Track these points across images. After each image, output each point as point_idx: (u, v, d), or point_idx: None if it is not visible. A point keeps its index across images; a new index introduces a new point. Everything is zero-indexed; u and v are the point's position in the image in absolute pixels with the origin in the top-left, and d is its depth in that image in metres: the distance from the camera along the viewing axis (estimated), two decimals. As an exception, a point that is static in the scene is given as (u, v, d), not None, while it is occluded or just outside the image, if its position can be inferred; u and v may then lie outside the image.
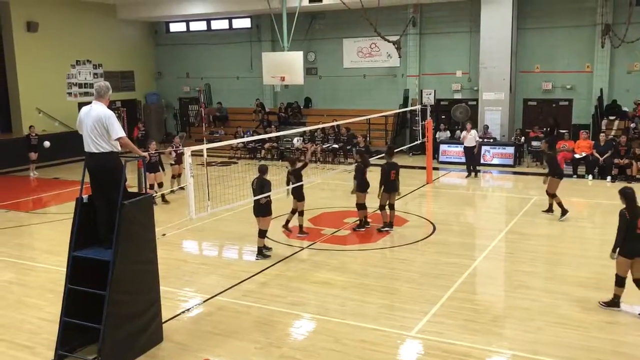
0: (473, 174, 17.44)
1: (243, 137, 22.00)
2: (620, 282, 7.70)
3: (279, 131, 21.46)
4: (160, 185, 14.60)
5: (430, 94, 21.76)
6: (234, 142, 13.49)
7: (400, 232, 11.84)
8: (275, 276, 9.44)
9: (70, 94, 23.60)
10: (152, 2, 23.39)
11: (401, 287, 8.84)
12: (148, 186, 13.35)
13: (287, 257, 10.31)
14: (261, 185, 10.10)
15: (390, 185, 11.63)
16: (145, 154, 6.96)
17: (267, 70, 20.78)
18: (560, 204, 12.31)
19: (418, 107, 17.91)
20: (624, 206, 7.76)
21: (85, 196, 6.65)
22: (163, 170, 14.70)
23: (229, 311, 8.08)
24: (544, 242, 11.15)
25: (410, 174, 16.92)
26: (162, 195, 14.48)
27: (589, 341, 6.94)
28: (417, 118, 19.09)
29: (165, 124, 27.50)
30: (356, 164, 12.32)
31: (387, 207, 11.78)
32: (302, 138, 21.59)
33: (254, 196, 10.15)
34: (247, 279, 9.24)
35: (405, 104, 21.77)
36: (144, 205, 6.70)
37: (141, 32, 26.83)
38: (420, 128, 17.93)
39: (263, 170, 10.33)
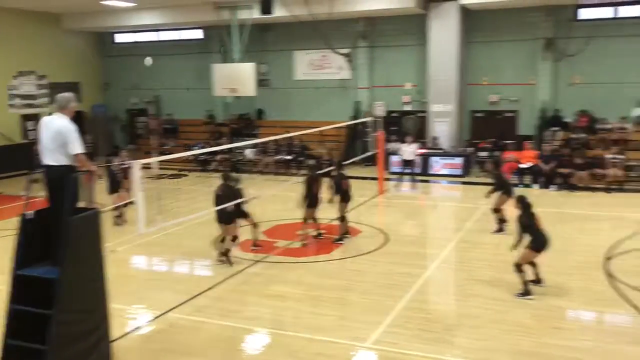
0: (410, 184, 17.61)
1: (193, 149, 21.73)
2: (520, 268, 8.73)
3: (231, 142, 21.32)
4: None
5: (381, 106, 22.01)
6: (186, 154, 13.23)
7: (354, 243, 11.88)
8: (229, 290, 9.31)
9: (12, 105, 22.74)
10: (99, 12, 22.88)
11: (356, 298, 8.86)
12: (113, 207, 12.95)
13: (241, 270, 10.19)
14: (232, 193, 10.26)
15: (347, 196, 11.76)
16: (95, 167, 6.74)
17: (218, 81, 20.66)
18: (500, 220, 12.40)
19: (369, 119, 18.08)
20: (521, 212, 8.91)
21: (30, 212, 6.38)
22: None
23: (182, 328, 7.90)
24: (494, 250, 11.36)
25: (362, 185, 17.03)
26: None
27: (539, 347, 7.10)
28: (368, 130, 19.28)
29: (113, 137, 26.85)
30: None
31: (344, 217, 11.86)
32: (254, 150, 21.48)
33: (218, 204, 10.15)
34: (200, 294, 9.07)
35: (356, 116, 21.96)
36: (93, 220, 6.48)
37: (87, 42, 26.17)
38: (372, 139, 18.10)
39: (230, 178, 10.57)
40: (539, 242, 8.65)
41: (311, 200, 11.59)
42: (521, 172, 17.62)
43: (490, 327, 7.69)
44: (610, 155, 16.92)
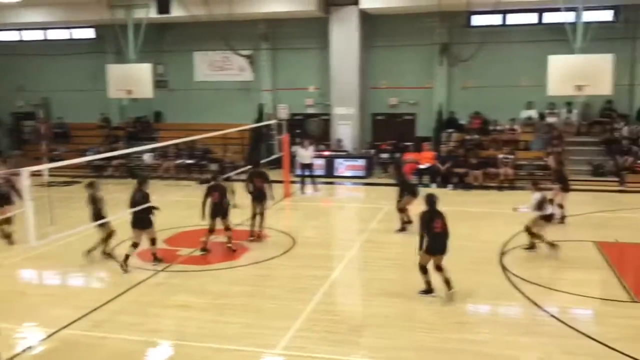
0: (311, 186, 17.70)
1: (86, 154, 20.61)
2: (424, 269, 8.75)
3: (127, 147, 20.43)
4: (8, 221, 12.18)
5: (284, 109, 22.00)
6: (79, 160, 12.40)
7: (261, 247, 11.72)
8: (130, 302, 8.85)
9: None
10: (-22, 7, 21.19)
11: (263, 304, 8.71)
12: None
13: (142, 281, 9.73)
14: (142, 197, 10.27)
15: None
16: None
17: (113, 83, 19.75)
18: (405, 221, 12.69)
19: (274, 121, 17.99)
20: (425, 209, 8.65)
21: None
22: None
23: (79, 345, 7.40)
24: (398, 249, 11.64)
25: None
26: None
27: (442, 342, 7.31)
28: (273, 132, 19.18)
29: (-3, 142, 24.96)
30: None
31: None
32: (153, 154, 20.73)
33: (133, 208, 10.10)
34: (98, 308, 8.55)
35: (260, 119, 21.79)
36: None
37: (-35, 40, 24.17)
38: (276, 142, 18.00)
39: (143, 181, 10.53)
40: (432, 246, 8.52)
41: (214, 208, 11.22)
42: (420, 173, 18.23)
43: (395, 326, 7.82)
44: (502, 155, 17.91)
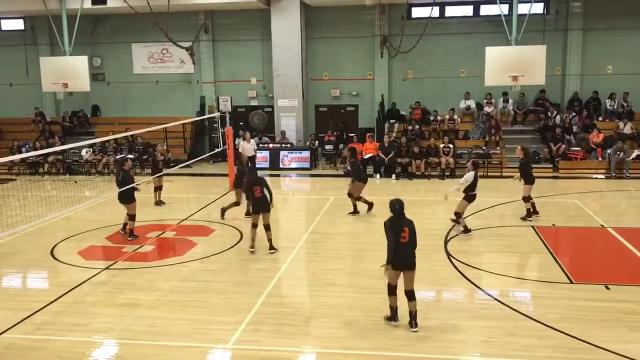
0: None
1: (22, 150, 19.79)
2: (392, 290, 7.45)
3: (63, 142, 19.76)
4: None
5: (226, 101, 21.75)
6: (16, 157, 11.94)
7: (207, 242, 11.59)
8: (73, 303, 8.57)
9: None
10: None
11: (213, 299, 8.62)
12: None
13: (85, 280, 9.44)
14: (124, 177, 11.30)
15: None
16: None
17: (47, 76, 18.99)
18: (366, 202, 13.21)
19: (217, 114, 17.77)
20: (390, 217, 7.49)
21: None
22: None
23: (20, 349, 7.12)
24: (345, 239, 11.77)
25: (212, 182, 16.72)
26: None
27: (395, 330, 7.43)
28: (215, 125, 18.94)
29: None
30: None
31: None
32: (91, 149, 20.10)
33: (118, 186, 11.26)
34: (39, 310, 8.24)
35: (202, 111, 21.48)
36: None
37: None
38: (220, 135, 17.79)
39: (122, 161, 11.74)
40: (397, 260, 7.29)
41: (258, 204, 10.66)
42: (364, 163, 18.40)
43: (348, 315, 7.91)
44: (443, 145, 18.33)
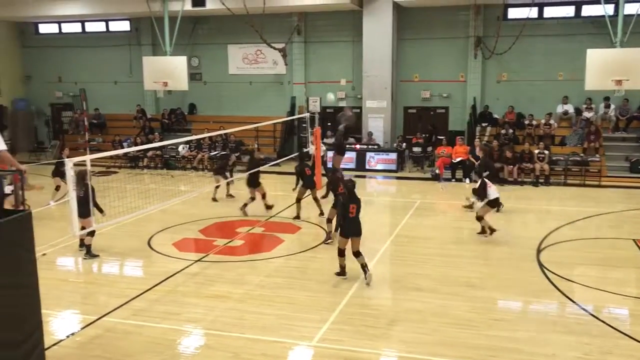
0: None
1: (123, 145, 21.00)
2: (341, 253, 9.25)
3: (161, 138, 20.75)
4: None
5: (316, 102, 22.04)
6: (120, 152, 12.78)
7: (294, 239, 11.80)
8: (167, 292, 9.00)
9: None
10: (18, 1, 21.62)
11: (299, 296, 8.78)
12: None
13: (179, 271, 9.89)
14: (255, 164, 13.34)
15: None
16: (24, 167, 6.30)
17: (149, 75, 20.04)
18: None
19: (307, 114, 18.02)
20: (344, 194, 9.36)
21: (-49, 215, 5.89)
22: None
23: (119, 332, 7.57)
24: (431, 244, 11.60)
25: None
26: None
27: (480, 339, 7.27)
28: (304, 125, 19.21)
29: (36, 132, 25.55)
30: None
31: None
32: (187, 146, 20.99)
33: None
34: (136, 297, 8.73)
35: (292, 111, 21.87)
36: (23, 223, 6.07)
37: (5, 32, 24.74)
38: (308, 135, 18.03)
39: (252, 151, 13.49)
40: (347, 229, 9.10)
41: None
42: (453, 167, 18.07)
43: (431, 322, 7.80)
44: (537, 150, 17.64)
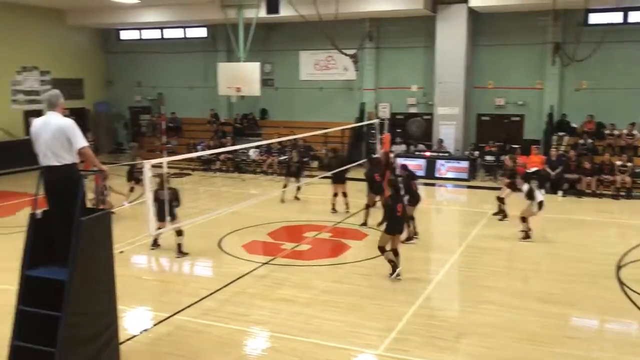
0: None
1: (197, 148, 21.62)
2: (382, 250, 9.63)
3: (233, 142, 21.22)
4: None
5: (385, 108, 21.91)
6: (194, 155, 13.26)
7: (361, 246, 11.76)
8: (236, 293, 9.18)
9: (15, 101, 22.61)
10: (103, 8, 22.75)
11: (365, 303, 8.73)
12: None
13: (247, 273, 10.06)
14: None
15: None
16: (106, 167, 6.59)
17: (223, 80, 20.52)
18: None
19: (376, 120, 17.97)
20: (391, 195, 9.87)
21: (38, 211, 6.25)
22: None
23: (189, 331, 7.77)
24: (502, 256, 11.28)
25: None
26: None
27: (552, 357, 6.99)
28: (373, 131, 19.15)
29: (116, 134, 26.74)
30: None
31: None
32: (258, 150, 21.37)
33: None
34: (206, 297, 8.95)
35: (361, 117, 21.85)
36: (103, 221, 6.36)
37: (91, 38, 26.05)
38: (377, 141, 17.96)
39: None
40: (391, 227, 9.54)
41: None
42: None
43: (501, 336, 7.56)
44: (619, 162, 16.79)
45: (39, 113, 6.34)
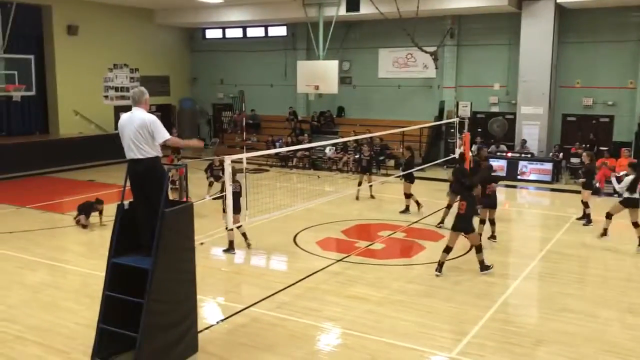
0: None
1: (275, 145, 22.02)
2: (447, 250, 9.83)
3: (310, 139, 21.44)
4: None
5: (466, 106, 21.43)
6: (273, 151, 13.55)
7: (435, 247, 11.57)
8: (310, 289, 9.28)
9: (106, 97, 23.90)
10: (190, 8, 23.61)
11: (439, 305, 8.59)
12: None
13: (321, 269, 10.15)
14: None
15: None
16: (199, 141, 7.01)
17: (302, 78, 20.79)
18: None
19: (456, 119, 17.61)
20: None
21: (126, 202, 6.59)
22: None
23: (264, 323, 7.94)
24: (586, 263, 10.79)
25: (445, 188, 16.58)
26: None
27: (639, 372, 6.62)
28: (453, 130, 18.79)
29: (199, 130, 27.68)
30: None
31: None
32: (334, 147, 21.48)
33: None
34: (281, 290, 9.10)
35: (440, 116, 21.49)
36: (185, 213, 6.62)
37: (178, 37, 27.10)
38: (456, 141, 17.60)
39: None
40: (454, 224, 9.86)
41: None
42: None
43: (585, 346, 7.24)
44: None
45: (128, 108, 6.69)
